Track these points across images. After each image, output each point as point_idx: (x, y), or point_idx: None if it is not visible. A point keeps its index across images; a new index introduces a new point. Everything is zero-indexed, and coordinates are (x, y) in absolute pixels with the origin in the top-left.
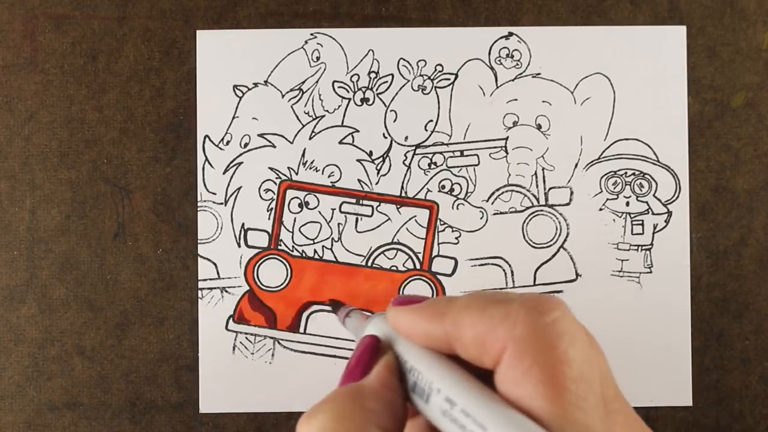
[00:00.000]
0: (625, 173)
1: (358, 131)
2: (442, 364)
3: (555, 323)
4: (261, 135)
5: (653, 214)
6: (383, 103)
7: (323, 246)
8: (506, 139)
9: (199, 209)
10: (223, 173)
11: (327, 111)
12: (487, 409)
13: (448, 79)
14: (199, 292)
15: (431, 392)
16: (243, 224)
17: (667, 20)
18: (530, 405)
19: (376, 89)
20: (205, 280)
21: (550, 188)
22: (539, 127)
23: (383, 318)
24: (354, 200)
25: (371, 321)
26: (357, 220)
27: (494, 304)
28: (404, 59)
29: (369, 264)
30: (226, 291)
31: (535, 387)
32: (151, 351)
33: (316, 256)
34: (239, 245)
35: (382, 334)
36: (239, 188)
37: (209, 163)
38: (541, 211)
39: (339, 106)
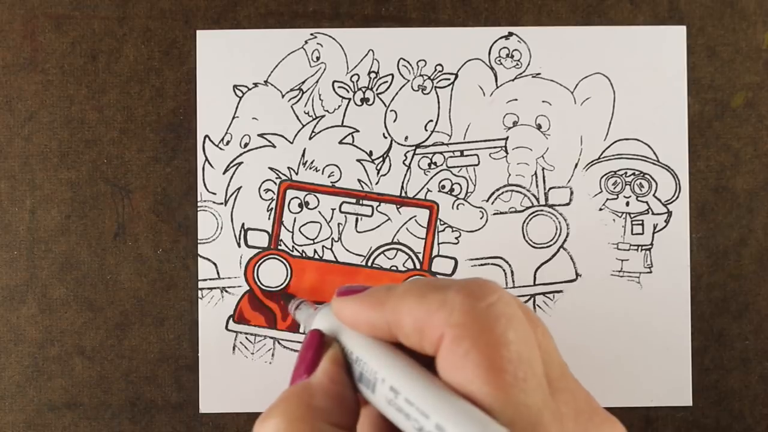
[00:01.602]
0: (625, 173)
1: (358, 131)
2: (386, 353)
3: (491, 307)
4: (261, 135)
5: (653, 214)
6: (383, 103)
7: (323, 246)
8: (506, 139)
9: (199, 209)
10: (223, 173)
11: (327, 111)
12: (430, 397)
13: (448, 79)
14: (199, 292)
15: (376, 382)
16: (243, 224)
17: (667, 20)
18: (471, 389)
19: (376, 89)
20: (205, 280)
21: (550, 188)
22: (539, 127)
23: (329, 309)
24: (354, 200)
25: (319, 313)
26: (357, 220)
27: (432, 290)
28: (404, 59)
29: (369, 264)
30: (226, 291)
31: (474, 371)
32: (151, 351)
33: (316, 256)
34: (239, 245)
35: (329, 326)
36: (239, 188)
37: (209, 163)
38: (541, 211)
39: (339, 106)
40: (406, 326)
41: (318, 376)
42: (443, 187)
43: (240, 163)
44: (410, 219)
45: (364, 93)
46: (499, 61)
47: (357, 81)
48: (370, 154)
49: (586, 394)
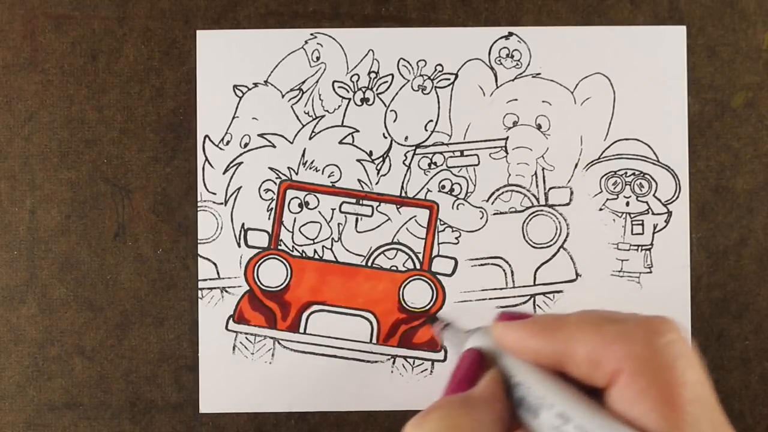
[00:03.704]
0: (625, 173)
1: (358, 131)
2: (553, 380)
3: (672, 344)
4: (261, 135)
5: (653, 214)
6: (383, 103)
7: (323, 246)
8: (506, 139)
9: (199, 209)
10: (223, 173)
11: (327, 111)
12: (605, 426)
13: (448, 79)
14: (199, 292)
15: (542, 407)
16: (243, 224)
17: (667, 20)
18: (646, 424)
19: (376, 89)
20: (205, 280)
21: (550, 188)
22: (539, 127)
23: (484, 332)
24: (354, 200)
25: (473, 335)
26: (357, 220)
27: (609, 322)
28: (404, 59)
29: (369, 264)
30: (226, 291)
31: (652, 407)
32: (151, 351)
33: (316, 256)
34: (239, 245)
35: (485, 348)
36: (239, 188)
37: (209, 163)
38: (541, 211)
39: (339, 106)
40: (580, 356)
41: (480, 391)
42: (443, 187)
43: (240, 163)
44: (410, 219)
45: (364, 93)
46: (499, 61)
47: (357, 81)
48: (370, 154)
49: None
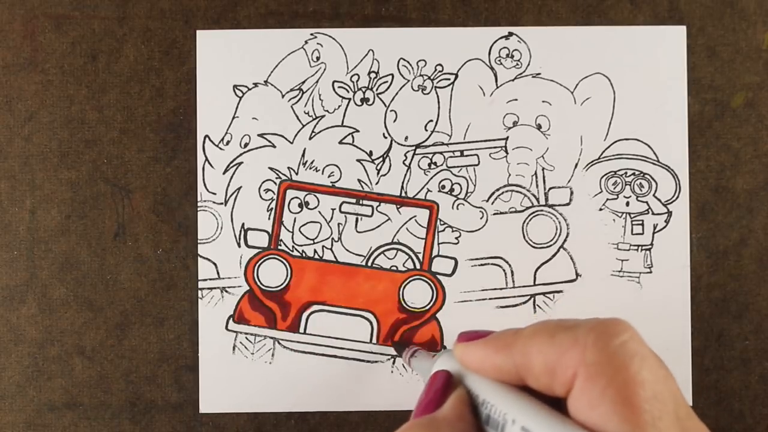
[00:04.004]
0: (625, 173)
1: (358, 131)
2: (515, 395)
3: (625, 345)
4: (261, 135)
5: (653, 214)
6: (383, 103)
7: (323, 246)
8: (506, 139)
9: (199, 209)
10: (223, 173)
11: (327, 111)
12: None
13: (448, 79)
14: (199, 292)
15: (506, 423)
16: (243, 224)
17: (667, 20)
18: (606, 428)
19: (376, 89)
20: (205, 280)
21: (550, 188)
22: (539, 127)
23: (450, 354)
24: (354, 200)
25: (440, 358)
26: (357, 220)
27: (561, 330)
28: (404, 59)
29: (369, 264)
30: (226, 291)
31: (610, 409)
32: (151, 351)
33: (316, 256)
34: (239, 245)
35: (451, 370)
36: (239, 188)
37: (209, 163)
38: (541, 211)
39: (339, 106)
40: (536, 367)
41: (445, 412)
42: (443, 187)
43: (240, 163)
44: (410, 219)
45: (364, 93)
46: (499, 61)
47: (357, 81)
48: (370, 154)
49: None
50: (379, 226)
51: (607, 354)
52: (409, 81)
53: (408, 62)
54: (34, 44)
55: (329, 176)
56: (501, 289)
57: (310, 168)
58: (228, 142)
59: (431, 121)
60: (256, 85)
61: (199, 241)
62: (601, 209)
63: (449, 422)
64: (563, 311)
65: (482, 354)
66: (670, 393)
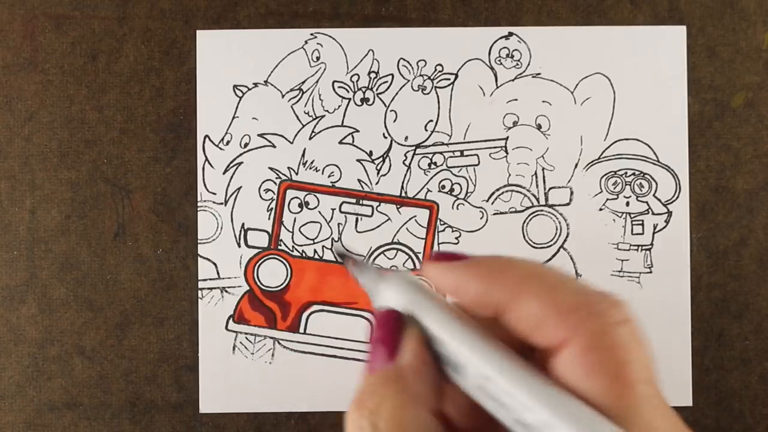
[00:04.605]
0: (625, 173)
1: (358, 131)
2: (478, 336)
3: (626, 324)
4: (261, 135)
5: (653, 214)
6: (383, 103)
7: (323, 246)
8: (506, 139)
9: (199, 209)
10: (223, 173)
11: (327, 111)
12: (539, 391)
13: (448, 79)
14: (199, 292)
15: (468, 366)
16: (243, 224)
17: (667, 20)
18: (593, 398)
19: (376, 89)
20: (205, 280)
21: (550, 188)
22: (539, 127)
23: (403, 278)
24: (354, 200)
25: (391, 284)
26: (357, 220)
27: (564, 288)
28: (404, 59)
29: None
30: (226, 291)
31: (602, 383)
32: (151, 351)
33: (316, 256)
34: (239, 245)
35: (404, 299)
36: (239, 188)
37: (209, 163)
38: (541, 211)
39: (339, 106)
40: (523, 312)
41: (408, 360)
42: (443, 187)
43: (240, 163)
44: (410, 219)
45: (364, 93)
46: (499, 61)
47: (357, 81)
48: (370, 154)
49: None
50: (379, 226)
51: (608, 329)
52: (409, 81)
53: (408, 62)
54: (34, 44)
55: (329, 176)
56: None
57: (310, 168)
58: (228, 142)
59: (431, 121)
60: (256, 85)
61: (199, 241)
62: (601, 209)
63: (416, 371)
64: None
65: (462, 278)
66: (657, 382)
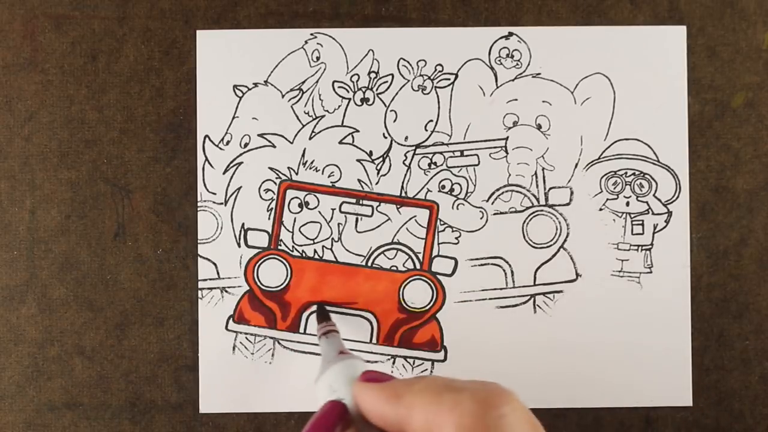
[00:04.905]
0: (625, 173)
1: (358, 131)
2: None
3: (502, 418)
4: (261, 135)
5: (653, 214)
6: (383, 103)
7: (323, 246)
8: (506, 139)
9: (199, 209)
10: (223, 173)
11: (327, 111)
12: None
13: (448, 79)
14: (199, 292)
15: None
16: (243, 224)
17: (667, 20)
18: None
19: (376, 89)
20: (205, 280)
21: (550, 188)
22: (539, 127)
23: (346, 366)
24: (354, 200)
25: (336, 367)
26: (357, 220)
27: (448, 390)
28: (404, 59)
29: (369, 264)
30: (226, 291)
31: None
32: (151, 351)
33: (316, 256)
34: (239, 245)
35: (343, 381)
36: (239, 188)
37: (209, 163)
38: (541, 211)
39: (339, 106)
40: (417, 423)
41: None
42: (443, 187)
43: (240, 163)
44: (410, 219)
45: (364, 93)
46: (499, 61)
47: (357, 81)
48: (370, 154)
49: None
50: (379, 226)
51: (482, 423)
52: (409, 81)
53: (408, 62)
54: (34, 44)
55: (329, 176)
56: (501, 289)
57: (310, 168)
58: (228, 142)
59: (431, 121)
60: (256, 85)
61: (199, 241)
62: (601, 209)
63: None
64: (563, 311)
65: (373, 399)
66: None
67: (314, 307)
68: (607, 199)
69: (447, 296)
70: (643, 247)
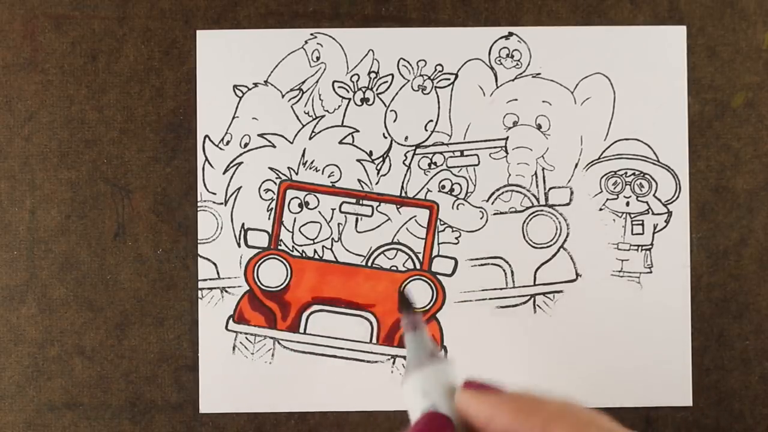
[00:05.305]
0: (625, 173)
1: (358, 131)
2: None
3: None
4: (261, 135)
5: (653, 214)
6: (383, 103)
7: (323, 246)
8: (506, 139)
9: (199, 209)
10: (223, 173)
11: (327, 111)
12: None
13: (448, 79)
14: (199, 292)
15: None
16: (243, 224)
17: (667, 20)
18: None
19: (376, 89)
20: (205, 280)
21: (550, 188)
22: (539, 127)
23: (436, 372)
24: (354, 200)
25: (425, 374)
26: (357, 220)
27: (595, 426)
28: (404, 59)
29: (369, 264)
30: (226, 291)
31: None
32: (151, 351)
33: (316, 256)
34: (239, 245)
35: (430, 387)
36: (239, 188)
37: (209, 163)
38: (541, 211)
39: (339, 106)
40: None
41: None
42: (443, 187)
43: (240, 163)
44: (410, 219)
45: (364, 93)
46: (499, 61)
47: (357, 81)
48: (370, 154)
49: None
50: (379, 226)
51: None
52: (409, 81)
53: (408, 62)
54: (34, 44)
55: (329, 176)
56: (501, 289)
57: (310, 168)
58: (228, 142)
59: (431, 121)
60: (256, 85)
61: (199, 241)
62: (601, 209)
63: None
64: (563, 311)
65: (495, 411)
66: None
67: (402, 293)
68: (607, 199)
69: (447, 296)
70: (643, 247)
